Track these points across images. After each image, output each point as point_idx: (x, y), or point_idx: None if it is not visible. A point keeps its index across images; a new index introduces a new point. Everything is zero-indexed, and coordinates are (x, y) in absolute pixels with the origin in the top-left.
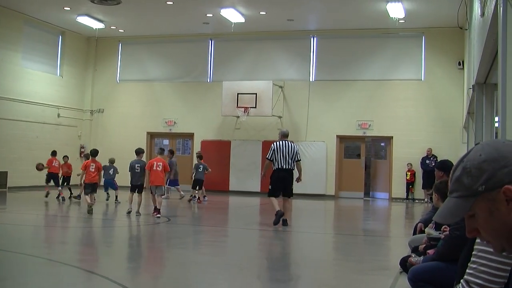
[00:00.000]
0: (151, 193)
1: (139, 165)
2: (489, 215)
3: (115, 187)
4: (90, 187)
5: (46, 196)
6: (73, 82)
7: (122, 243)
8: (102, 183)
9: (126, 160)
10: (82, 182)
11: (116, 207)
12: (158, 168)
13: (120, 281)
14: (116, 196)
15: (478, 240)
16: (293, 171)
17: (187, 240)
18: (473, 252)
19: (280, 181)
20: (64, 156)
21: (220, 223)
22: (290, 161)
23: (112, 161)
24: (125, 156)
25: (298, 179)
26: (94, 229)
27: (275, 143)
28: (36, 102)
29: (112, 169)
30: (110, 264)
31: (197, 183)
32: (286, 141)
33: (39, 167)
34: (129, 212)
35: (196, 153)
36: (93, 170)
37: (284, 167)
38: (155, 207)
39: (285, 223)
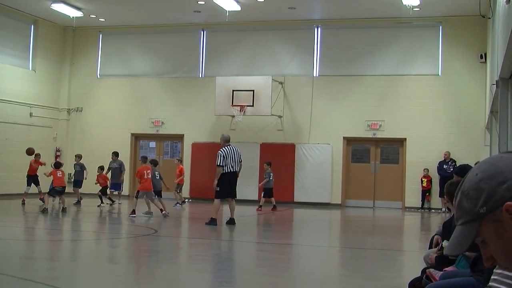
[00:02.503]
0: (144, 198)
1: (158, 172)
2: (497, 238)
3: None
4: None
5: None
6: (47, 77)
7: (105, 258)
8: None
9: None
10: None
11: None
12: (148, 176)
13: None
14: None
15: None
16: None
17: (177, 255)
18: None
19: (231, 184)
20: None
21: (213, 235)
22: (238, 163)
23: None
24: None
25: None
26: (75, 242)
27: (223, 149)
28: (6, 99)
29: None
30: (91, 282)
31: (269, 192)
32: (231, 146)
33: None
34: (149, 213)
35: (266, 162)
36: (60, 175)
37: (233, 170)
38: (162, 210)
39: (232, 222)
